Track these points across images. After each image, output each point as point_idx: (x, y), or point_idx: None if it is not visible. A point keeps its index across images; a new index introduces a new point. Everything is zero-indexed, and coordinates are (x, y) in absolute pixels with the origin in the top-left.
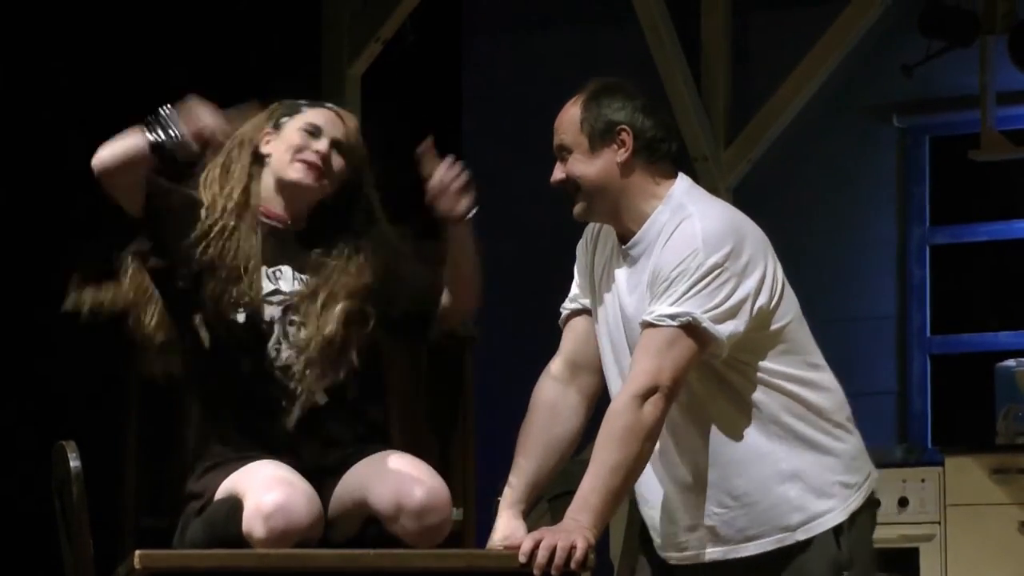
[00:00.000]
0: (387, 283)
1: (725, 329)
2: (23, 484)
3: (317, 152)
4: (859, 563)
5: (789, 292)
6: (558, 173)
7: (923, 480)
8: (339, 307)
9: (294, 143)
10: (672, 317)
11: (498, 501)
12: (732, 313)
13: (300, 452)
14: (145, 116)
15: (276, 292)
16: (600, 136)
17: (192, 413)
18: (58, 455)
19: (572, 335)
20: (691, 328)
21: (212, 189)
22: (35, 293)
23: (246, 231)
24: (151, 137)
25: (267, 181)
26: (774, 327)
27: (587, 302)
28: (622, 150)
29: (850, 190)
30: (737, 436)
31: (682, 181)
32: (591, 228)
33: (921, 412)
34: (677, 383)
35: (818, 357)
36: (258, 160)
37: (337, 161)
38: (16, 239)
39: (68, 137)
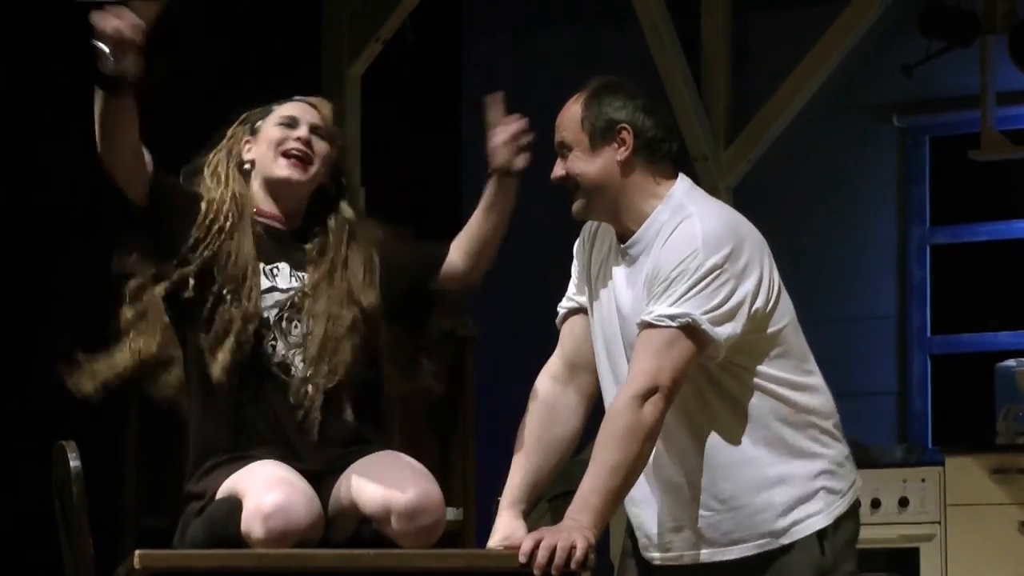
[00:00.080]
0: (387, 268)
1: (723, 331)
2: (23, 484)
3: (299, 139)
4: (842, 568)
5: (785, 296)
6: (558, 170)
7: (923, 480)
8: (337, 305)
9: (274, 138)
10: (672, 318)
11: (498, 501)
12: (730, 315)
13: (299, 451)
14: (145, 116)
15: (274, 289)
16: (601, 134)
17: (192, 413)
18: (58, 455)
19: (570, 335)
20: (690, 329)
21: (208, 196)
22: (35, 293)
23: (243, 230)
24: (98, 80)
25: (257, 184)
26: (770, 330)
27: (583, 300)
28: (622, 149)
29: (850, 190)
30: (726, 439)
31: (682, 181)
32: (588, 226)
33: (921, 412)
34: (676, 383)
35: (811, 363)
36: (244, 172)
37: (320, 146)
38: (16, 239)
39: (68, 137)
